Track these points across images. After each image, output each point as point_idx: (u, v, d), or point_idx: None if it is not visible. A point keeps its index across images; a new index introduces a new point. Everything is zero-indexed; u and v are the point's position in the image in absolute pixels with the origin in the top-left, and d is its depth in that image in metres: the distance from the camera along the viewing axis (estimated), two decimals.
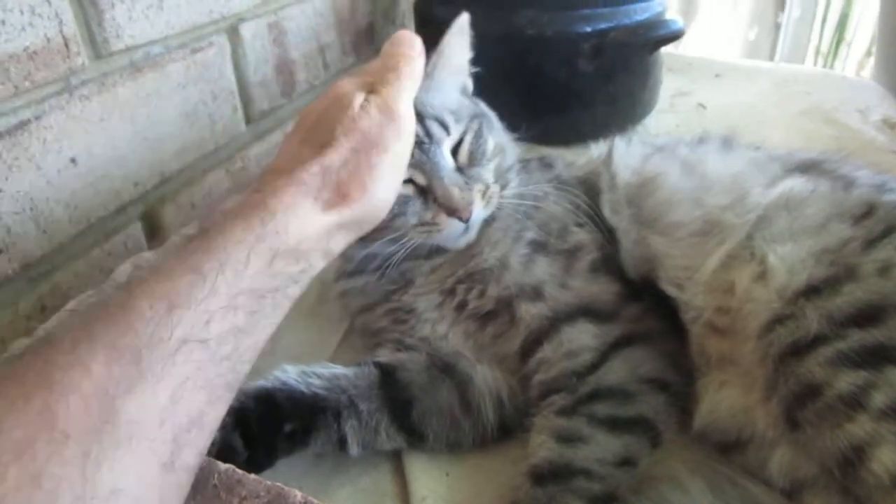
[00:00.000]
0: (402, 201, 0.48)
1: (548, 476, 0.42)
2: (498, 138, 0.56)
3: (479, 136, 0.53)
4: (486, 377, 0.50)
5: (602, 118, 0.85)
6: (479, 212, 0.50)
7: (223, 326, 0.35)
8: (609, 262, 0.52)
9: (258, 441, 0.45)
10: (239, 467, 0.38)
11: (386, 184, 0.42)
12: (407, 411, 0.49)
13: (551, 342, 0.48)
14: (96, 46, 0.59)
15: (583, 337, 0.48)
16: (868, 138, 0.83)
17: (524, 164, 0.59)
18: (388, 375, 0.50)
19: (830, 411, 0.39)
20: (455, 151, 0.51)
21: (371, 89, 0.44)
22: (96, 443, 0.29)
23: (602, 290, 0.51)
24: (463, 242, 0.51)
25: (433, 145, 0.50)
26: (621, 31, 0.81)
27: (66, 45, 0.56)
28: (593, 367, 0.47)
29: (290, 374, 0.48)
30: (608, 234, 0.53)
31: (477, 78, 0.86)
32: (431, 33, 0.91)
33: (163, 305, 0.33)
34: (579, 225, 0.54)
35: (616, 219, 0.53)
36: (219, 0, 0.71)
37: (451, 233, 0.50)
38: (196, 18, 0.69)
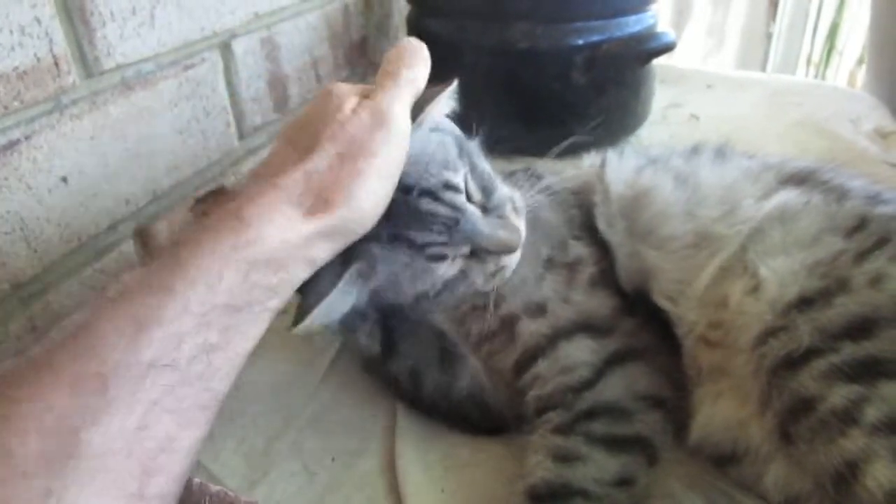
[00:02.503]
0: (460, 277, 0.47)
1: (545, 496, 0.42)
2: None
3: (473, 164, 0.49)
4: (476, 365, 0.51)
5: (596, 130, 0.86)
6: (523, 227, 0.49)
7: (195, 345, 0.33)
8: (605, 275, 0.52)
9: None
10: None
11: (373, 191, 0.39)
12: (394, 322, 0.50)
13: (547, 358, 0.48)
14: (87, 65, 0.58)
15: (579, 353, 0.48)
16: (860, 148, 0.84)
17: (510, 175, 0.59)
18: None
19: (824, 426, 0.38)
20: (467, 195, 0.47)
21: (366, 94, 0.42)
22: (59, 479, 0.28)
23: (600, 304, 0.50)
24: (517, 259, 0.49)
25: (457, 213, 0.45)
26: (614, 43, 0.81)
27: (57, 65, 0.55)
28: (589, 383, 0.47)
29: None
30: (602, 248, 0.53)
31: (469, 91, 0.87)
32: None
33: (130, 328, 0.31)
34: (576, 238, 0.54)
35: (610, 232, 0.53)
36: (210, 16, 0.71)
37: (513, 262, 0.49)
38: (187, 35, 0.69)
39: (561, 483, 0.42)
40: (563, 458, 0.43)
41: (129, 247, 0.66)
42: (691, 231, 0.51)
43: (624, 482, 0.43)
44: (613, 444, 0.44)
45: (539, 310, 0.50)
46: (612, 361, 0.48)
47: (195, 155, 0.72)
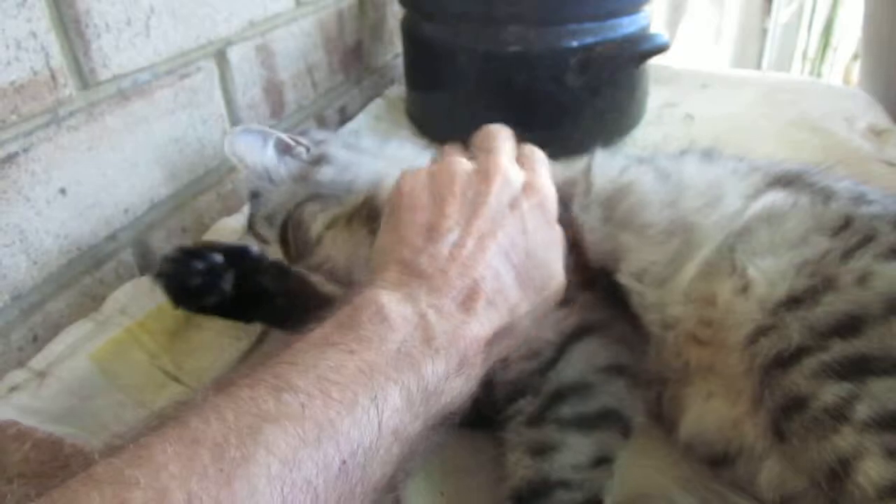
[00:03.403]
0: None
1: (527, 496, 0.42)
2: None
3: None
4: None
5: (590, 132, 0.86)
6: None
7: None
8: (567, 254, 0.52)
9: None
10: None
11: None
12: None
13: None
14: (83, 77, 0.59)
15: (541, 330, 0.48)
16: (854, 146, 0.84)
17: None
18: None
19: (816, 423, 0.39)
20: None
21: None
22: None
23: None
24: None
25: None
26: (608, 45, 0.82)
27: (53, 77, 0.56)
28: (552, 361, 0.47)
29: None
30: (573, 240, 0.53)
31: (464, 95, 0.87)
32: (419, 51, 0.93)
33: None
34: None
35: (585, 216, 0.53)
36: (205, 25, 0.72)
37: None
38: (183, 44, 0.69)
39: (541, 479, 0.43)
40: (540, 451, 0.44)
41: (128, 256, 0.66)
42: (668, 218, 0.51)
43: (601, 461, 0.44)
44: (584, 423, 0.45)
45: None
46: (573, 337, 0.48)
47: (192, 163, 0.73)
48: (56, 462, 0.41)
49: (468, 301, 0.39)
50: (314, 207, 0.57)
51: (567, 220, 0.53)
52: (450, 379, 0.37)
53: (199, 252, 0.50)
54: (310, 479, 0.29)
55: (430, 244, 0.41)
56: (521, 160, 0.48)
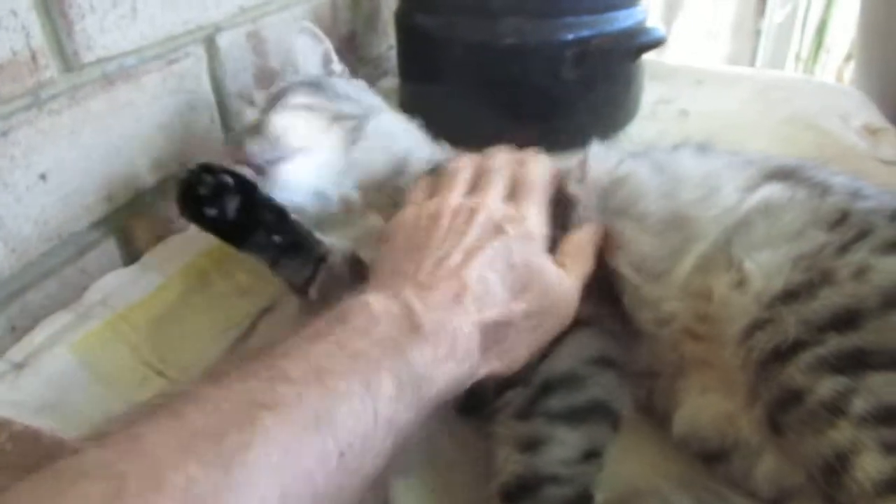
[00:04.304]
0: None
1: (516, 492, 0.42)
2: None
3: None
4: None
5: (585, 126, 0.85)
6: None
7: None
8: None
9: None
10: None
11: None
12: None
13: None
14: (66, 59, 0.57)
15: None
16: (849, 144, 0.83)
17: None
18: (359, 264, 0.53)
19: (813, 417, 0.38)
20: None
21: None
22: None
23: None
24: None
25: None
26: (604, 38, 0.81)
27: (34, 59, 0.54)
28: (542, 354, 0.46)
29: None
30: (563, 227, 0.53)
31: (458, 87, 0.86)
32: (414, 43, 0.92)
33: None
34: None
35: (581, 203, 0.53)
36: (194, 9, 0.70)
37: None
38: (171, 29, 0.67)
39: (530, 474, 0.42)
40: (529, 445, 0.43)
41: (111, 245, 0.65)
42: (665, 209, 0.51)
43: (591, 455, 0.44)
44: (574, 416, 0.44)
45: None
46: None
47: (179, 150, 0.71)
48: (35, 454, 0.40)
49: (456, 297, 0.40)
50: (305, 89, 0.62)
51: (563, 199, 0.53)
52: (439, 363, 0.37)
53: (212, 168, 0.53)
54: (309, 469, 0.29)
55: (417, 258, 0.42)
56: (516, 192, 0.50)
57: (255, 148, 0.56)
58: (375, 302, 0.37)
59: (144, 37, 0.64)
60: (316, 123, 0.59)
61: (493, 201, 0.48)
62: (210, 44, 0.73)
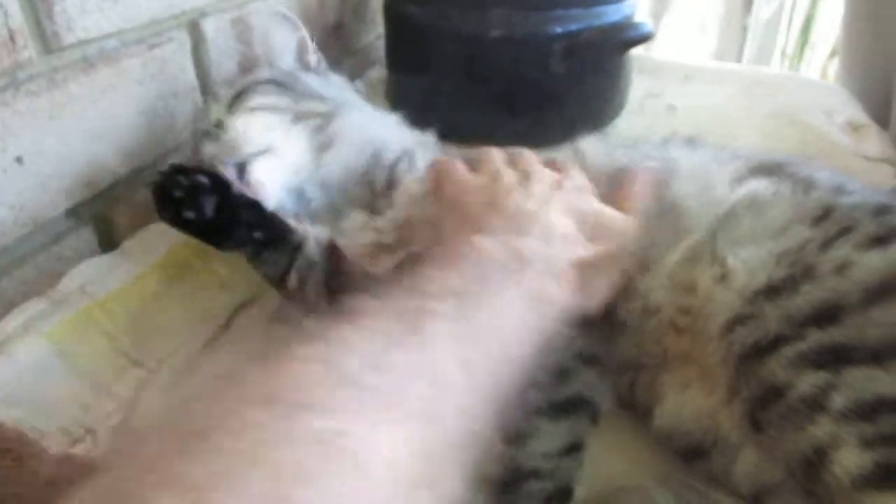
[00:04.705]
0: None
1: (498, 487, 0.42)
2: None
3: None
4: None
5: (573, 119, 0.85)
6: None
7: None
8: None
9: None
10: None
11: None
12: (341, 281, 0.53)
13: None
14: (46, 40, 0.56)
15: None
16: (833, 141, 0.84)
17: None
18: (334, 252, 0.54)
19: (792, 413, 0.39)
20: None
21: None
22: None
23: None
24: None
25: None
26: (592, 32, 0.80)
27: (12, 39, 0.53)
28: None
29: None
30: None
31: (447, 78, 0.86)
32: (402, 33, 0.91)
33: None
34: None
35: None
36: None
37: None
38: (154, 12, 0.66)
39: (513, 468, 0.42)
40: (511, 438, 0.43)
41: (89, 232, 0.63)
42: (661, 199, 0.51)
43: (572, 448, 0.44)
44: (556, 410, 0.44)
45: None
46: None
47: (161, 136, 0.70)
48: None
49: (545, 238, 0.41)
50: (268, 88, 0.60)
51: None
52: (549, 285, 0.38)
53: (186, 169, 0.53)
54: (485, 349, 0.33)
55: (492, 211, 0.43)
56: (552, 166, 0.50)
57: (212, 151, 0.56)
58: (484, 241, 0.39)
59: (126, 20, 0.63)
60: (278, 124, 0.58)
61: (538, 167, 0.48)
62: (194, 29, 0.72)
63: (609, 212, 0.46)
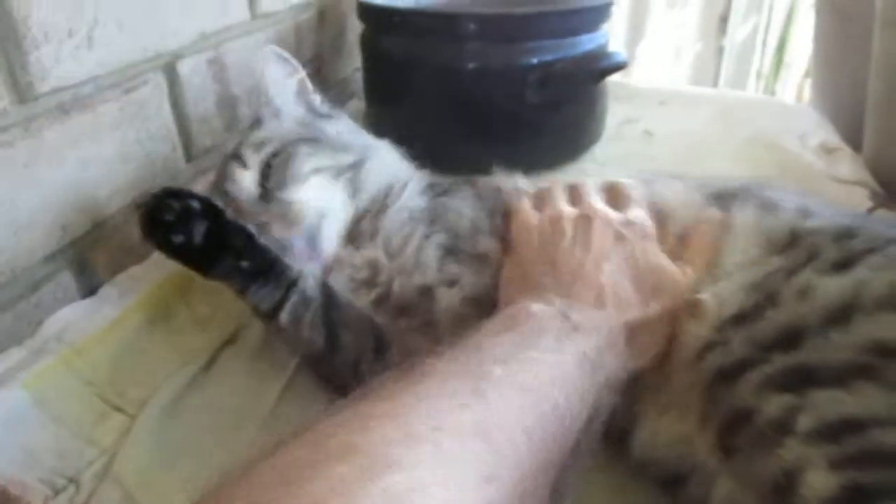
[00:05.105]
0: None
1: None
2: None
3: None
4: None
5: (551, 147, 0.86)
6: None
7: None
8: None
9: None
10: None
11: None
12: (335, 314, 0.53)
13: None
14: (20, 90, 0.56)
15: None
16: (807, 163, 0.85)
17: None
18: (330, 288, 0.55)
19: (761, 437, 0.39)
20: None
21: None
22: None
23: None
24: None
25: None
26: (567, 62, 0.82)
27: None
28: None
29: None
30: None
31: (423, 110, 0.86)
32: (379, 66, 0.92)
33: None
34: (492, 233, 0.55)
35: None
36: (153, 37, 0.69)
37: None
38: (129, 56, 0.67)
39: None
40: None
41: (67, 278, 0.63)
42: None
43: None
44: None
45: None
46: None
47: (139, 178, 0.70)
48: None
49: (598, 301, 0.44)
50: (308, 149, 0.59)
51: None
52: (602, 353, 0.41)
53: (178, 193, 0.52)
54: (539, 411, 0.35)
55: (551, 269, 0.46)
56: (613, 198, 0.52)
57: (294, 238, 0.55)
58: (536, 308, 0.41)
59: (102, 65, 0.64)
60: (326, 185, 0.58)
61: (601, 207, 0.50)
62: (170, 71, 0.72)
63: (669, 269, 0.47)
